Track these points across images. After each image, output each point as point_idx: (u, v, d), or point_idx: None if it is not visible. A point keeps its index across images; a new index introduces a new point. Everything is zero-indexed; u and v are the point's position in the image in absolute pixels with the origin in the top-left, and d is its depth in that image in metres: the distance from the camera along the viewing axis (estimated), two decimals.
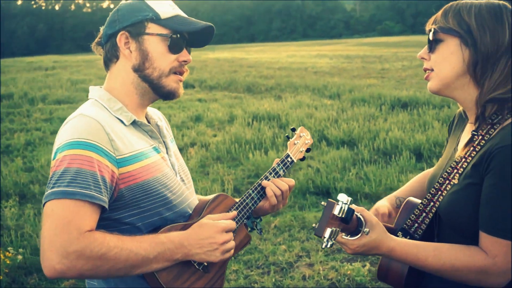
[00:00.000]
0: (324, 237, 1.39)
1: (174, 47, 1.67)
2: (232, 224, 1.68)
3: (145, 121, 1.76)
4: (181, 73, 1.73)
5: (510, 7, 1.54)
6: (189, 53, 1.74)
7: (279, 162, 1.98)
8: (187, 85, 17.05)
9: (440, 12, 1.60)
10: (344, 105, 11.74)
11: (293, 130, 2.12)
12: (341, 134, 8.55)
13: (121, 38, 1.66)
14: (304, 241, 4.84)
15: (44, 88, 17.11)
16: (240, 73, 21.02)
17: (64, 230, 1.37)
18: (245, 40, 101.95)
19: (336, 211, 1.40)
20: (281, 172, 1.96)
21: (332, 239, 1.40)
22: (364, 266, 4.18)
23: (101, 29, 1.74)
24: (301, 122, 9.61)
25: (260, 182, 1.91)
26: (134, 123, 1.70)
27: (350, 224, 1.47)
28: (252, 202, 1.87)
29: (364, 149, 7.68)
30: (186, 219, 1.73)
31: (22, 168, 7.51)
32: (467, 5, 1.54)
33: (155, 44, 1.66)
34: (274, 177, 1.93)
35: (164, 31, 1.66)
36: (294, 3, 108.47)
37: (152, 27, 1.65)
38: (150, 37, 1.65)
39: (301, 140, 2.09)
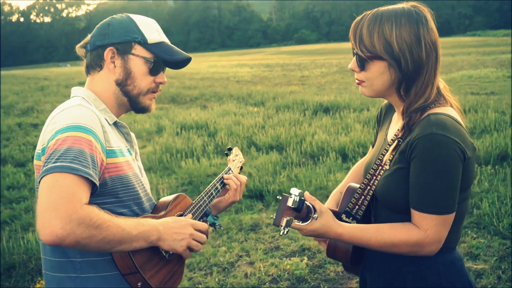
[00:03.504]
0: (281, 226, 1.63)
1: (153, 70, 1.86)
2: (204, 225, 1.86)
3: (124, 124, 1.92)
4: (155, 92, 1.93)
5: (426, 13, 1.71)
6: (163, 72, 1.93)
7: (223, 173, 2.24)
8: None
9: (365, 27, 1.70)
10: (269, 112, 12.08)
11: (230, 149, 2.44)
12: (269, 139, 8.83)
13: (108, 53, 1.81)
14: (243, 241, 5.02)
15: None
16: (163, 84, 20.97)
17: (69, 199, 1.47)
18: None
19: (290, 203, 1.64)
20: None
21: (288, 226, 1.63)
22: (302, 260, 4.41)
23: (89, 36, 1.88)
24: (229, 130, 9.82)
25: (211, 188, 2.14)
26: (115, 124, 1.86)
27: (302, 212, 1.69)
28: (204, 204, 2.09)
29: (292, 153, 7.98)
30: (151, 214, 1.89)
31: None
32: (390, 21, 1.67)
33: (138, 65, 1.83)
34: (220, 185, 2.20)
35: (148, 55, 1.84)
36: (211, 14, 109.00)
37: (138, 49, 1.83)
38: (135, 58, 1.83)
39: (237, 159, 2.42)
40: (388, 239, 1.69)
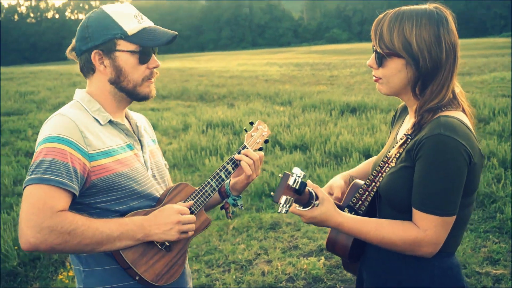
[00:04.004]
0: (280, 203, 1.65)
1: (143, 59, 1.87)
2: (185, 208, 1.86)
3: (122, 121, 1.95)
4: (151, 78, 1.93)
5: (447, 15, 1.73)
6: (156, 55, 1.93)
7: (236, 152, 2.14)
8: None
9: (385, 25, 1.73)
10: (295, 111, 12.08)
11: (251, 123, 2.28)
12: (294, 139, 8.84)
13: (95, 56, 1.84)
14: (262, 240, 5.06)
15: None
16: (191, 82, 21.17)
17: (40, 209, 1.57)
18: (195, 49, 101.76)
19: (290, 182, 1.65)
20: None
21: (287, 205, 1.65)
22: (319, 260, 4.43)
23: (73, 40, 1.92)
24: None
25: (220, 170, 2.07)
26: (111, 122, 1.90)
27: (303, 196, 1.71)
28: (211, 189, 2.04)
29: (316, 153, 7.98)
30: (153, 206, 1.93)
31: None
32: (411, 20, 1.70)
33: (126, 59, 1.85)
34: (232, 166, 2.10)
35: (132, 47, 1.85)
36: (242, 13, 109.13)
37: (122, 44, 1.84)
38: (121, 54, 1.84)
39: (258, 132, 2.25)
40: (386, 234, 1.71)
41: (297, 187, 1.65)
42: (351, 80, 19.81)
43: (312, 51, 54.58)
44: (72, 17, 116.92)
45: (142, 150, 1.98)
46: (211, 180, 2.06)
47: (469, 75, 18.57)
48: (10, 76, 29.19)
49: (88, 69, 1.90)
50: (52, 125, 1.74)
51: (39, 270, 4.59)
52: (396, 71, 1.74)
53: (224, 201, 2.20)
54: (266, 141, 2.26)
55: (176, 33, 1.92)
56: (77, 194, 1.69)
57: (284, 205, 1.64)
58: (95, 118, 1.85)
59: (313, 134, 9.08)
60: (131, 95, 1.91)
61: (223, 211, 2.23)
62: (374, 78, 1.84)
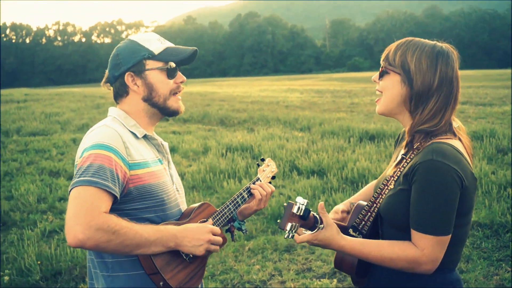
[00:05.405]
0: (286, 229, 1.83)
1: (170, 74, 2.09)
2: (217, 229, 2.05)
3: (154, 137, 2.15)
4: (177, 92, 2.14)
5: (451, 53, 1.91)
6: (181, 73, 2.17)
7: (251, 183, 2.42)
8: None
9: (394, 46, 1.96)
10: (314, 137, 12.21)
11: (263, 160, 2.60)
12: (311, 164, 8.95)
13: (128, 78, 2.06)
14: (276, 261, 5.16)
15: (18, 121, 17.24)
16: (213, 106, 21.46)
17: (88, 208, 1.72)
18: (217, 74, 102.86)
19: (294, 210, 1.84)
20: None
21: (293, 231, 1.84)
22: (331, 282, 4.52)
23: (106, 71, 2.14)
24: (273, 153, 10.00)
25: (237, 196, 2.33)
26: (145, 137, 2.10)
27: (308, 220, 1.89)
28: (229, 212, 2.28)
29: (333, 178, 8.08)
30: (176, 220, 2.10)
31: (2, 197, 7.68)
32: (415, 47, 1.90)
33: (156, 76, 2.07)
34: (247, 194, 2.37)
35: (160, 64, 2.07)
36: (265, 39, 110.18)
37: (150, 63, 2.06)
38: (151, 72, 2.06)
39: (269, 169, 2.56)
40: (387, 254, 1.83)
41: (301, 214, 1.84)
42: (371, 108, 19.89)
43: (334, 78, 54.84)
44: (98, 41, 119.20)
45: (168, 165, 2.17)
46: (230, 204, 2.29)
47: (491, 105, 18.55)
48: (36, 97, 29.85)
49: (122, 92, 2.10)
50: (99, 134, 1.92)
51: (60, 285, 4.74)
52: (392, 85, 1.93)
53: (230, 224, 2.37)
54: (273, 177, 2.55)
55: (196, 48, 2.14)
56: (118, 198, 1.85)
57: (290, 231, 1.83)
58: (132, 132, 2.04)
59: (331, 160, 9.18)
60: (162, 109, 2.11)
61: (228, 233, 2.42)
62: (376, 98, 2.02)
